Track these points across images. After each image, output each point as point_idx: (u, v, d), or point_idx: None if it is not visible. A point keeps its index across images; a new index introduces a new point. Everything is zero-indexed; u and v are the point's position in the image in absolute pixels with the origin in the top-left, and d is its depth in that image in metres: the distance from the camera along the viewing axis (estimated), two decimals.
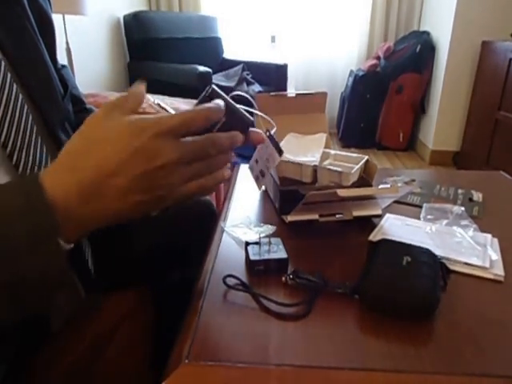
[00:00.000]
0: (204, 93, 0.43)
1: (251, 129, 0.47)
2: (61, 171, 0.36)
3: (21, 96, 0.48)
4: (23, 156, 0.47)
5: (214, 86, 0.44)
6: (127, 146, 0.35)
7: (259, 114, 0.58)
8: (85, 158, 0.36)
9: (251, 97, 0.68)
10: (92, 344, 0.58)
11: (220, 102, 0.40)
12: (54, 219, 0.34)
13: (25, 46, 0.52)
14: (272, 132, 0.56)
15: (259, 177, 0.71)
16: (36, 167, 0.48)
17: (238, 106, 0.45)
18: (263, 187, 0.86)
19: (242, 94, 0.61)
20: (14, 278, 0.33)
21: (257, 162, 0.69)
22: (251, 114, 0.51)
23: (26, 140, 0.47)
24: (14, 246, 0.33)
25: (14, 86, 0.47)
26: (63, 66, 0.68)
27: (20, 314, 0.37)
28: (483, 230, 0.70)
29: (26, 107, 0.48)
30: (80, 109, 0.71)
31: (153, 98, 0.41)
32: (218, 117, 0.40)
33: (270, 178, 0.80)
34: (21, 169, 0.47)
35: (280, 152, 0.58)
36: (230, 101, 0.44)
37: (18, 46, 0.51)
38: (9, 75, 0.46)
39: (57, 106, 0.57)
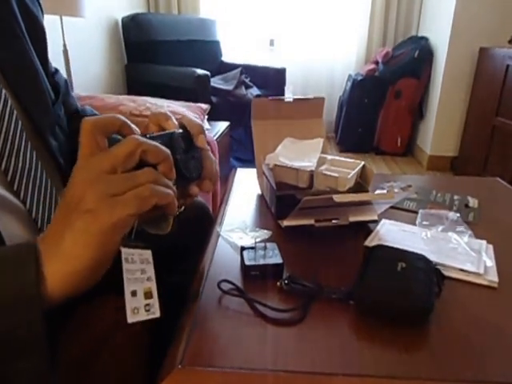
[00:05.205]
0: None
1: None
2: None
3: (10, 101, 0.48)
4: (12, 161, 0.47)
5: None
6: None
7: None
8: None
9: (249, 100, 0.68)
10: (86, 349, 0.57)
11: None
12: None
13: (13, 52, 0.53)
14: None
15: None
16: (26, 172, 0.48)
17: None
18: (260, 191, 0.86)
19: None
20: None
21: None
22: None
23: (16, 145, 0.47)
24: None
25: (3, 91, 0.47)
26: (56, 71, 0.68)
27: None
28: (478, 237, 0.70)
29: (15, 112, 0.48)
30: (74, 112, 0.71)
31: None
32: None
33: (266, 183, 0.80)
34: (10, 174, 0.47)
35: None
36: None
37: (7, 51, 0.51)
38: None
39: (46, 111, 0.57)
